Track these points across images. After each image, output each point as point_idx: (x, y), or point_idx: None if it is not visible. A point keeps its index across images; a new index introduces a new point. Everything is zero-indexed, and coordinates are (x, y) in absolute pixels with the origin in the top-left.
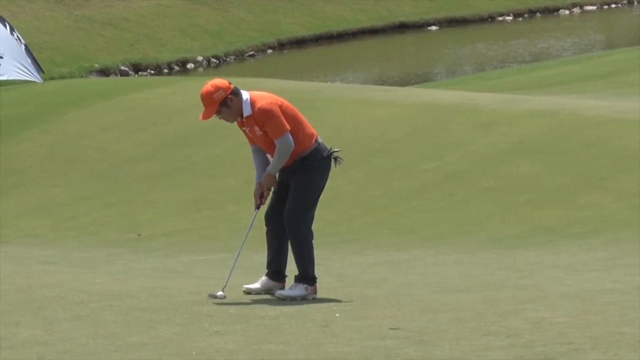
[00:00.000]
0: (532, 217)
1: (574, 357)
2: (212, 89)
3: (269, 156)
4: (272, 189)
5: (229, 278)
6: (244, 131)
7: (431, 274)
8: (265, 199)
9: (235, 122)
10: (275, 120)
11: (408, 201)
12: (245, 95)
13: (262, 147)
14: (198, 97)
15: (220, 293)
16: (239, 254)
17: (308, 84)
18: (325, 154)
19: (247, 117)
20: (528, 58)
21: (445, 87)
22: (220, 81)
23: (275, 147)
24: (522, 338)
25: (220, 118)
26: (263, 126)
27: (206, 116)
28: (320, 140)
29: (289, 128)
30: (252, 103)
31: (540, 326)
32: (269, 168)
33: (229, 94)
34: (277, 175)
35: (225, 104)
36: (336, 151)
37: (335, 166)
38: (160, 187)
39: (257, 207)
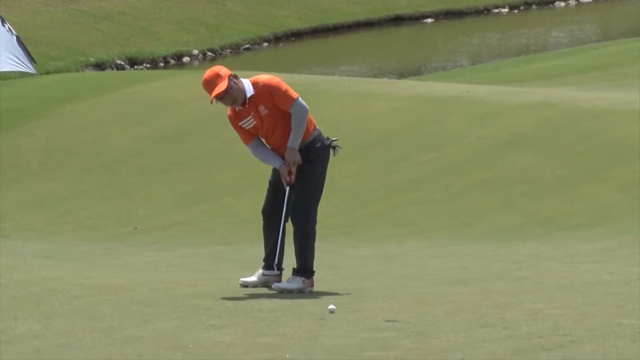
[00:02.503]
0: (529, 208)
1: (570, 348)
2: (216, 69)
3: (271, 151)
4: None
5: (279, 255)
6: (240, 128)
7: (428, 266)
8: (294, 175)
9: (230, 123)
10: (284, 88)
11: (405, 193)
12: (245, 80)
13: (268, 130)
14: (194, 91)
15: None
16: (280, 233)
17: (304, 76)
18: (326, 143)
19: (250, 98)
20: (524, 50)
21: (441, 79)
22: (218, 66)
23: (280, 128)
24: (519, 330)
25: (226, 100)
26: (272, 99)
27: (218, 91)
28: (319, 129)
29: (298, 95)
30: (254, 83)
31: (537, 318)
32: (290, 142)
33: (232, 73)
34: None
35: (233, 80)
36: (334, 140)
37: (334, 155)
38: (157, 181)
39: (288, 185)
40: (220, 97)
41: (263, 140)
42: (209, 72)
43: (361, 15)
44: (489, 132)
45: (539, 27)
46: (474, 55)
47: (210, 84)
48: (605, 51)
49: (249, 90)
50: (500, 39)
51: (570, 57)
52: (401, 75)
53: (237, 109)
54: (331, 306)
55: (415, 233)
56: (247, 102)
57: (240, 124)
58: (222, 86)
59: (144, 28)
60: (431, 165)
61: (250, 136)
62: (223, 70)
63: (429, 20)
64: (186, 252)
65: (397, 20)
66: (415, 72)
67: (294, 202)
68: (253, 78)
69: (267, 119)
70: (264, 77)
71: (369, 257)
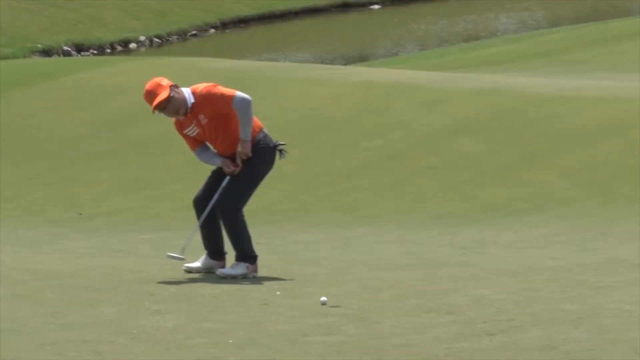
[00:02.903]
0: (474, 194)
1: (514, 333)
2: (157, 79)
3: (215, 153)
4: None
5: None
6: (185, 136)
7: (372, 251)
8: (240, 165)
9: (177, 131)
10: (220, 90)
11: (350, 179)
12: (185, 88)
13: (211, 138)
14: (140, 77)
15: (181, 256)
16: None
17: (250, 63)
18: (271, 145)
19: (191, 106)
20: (473, 36)
21: (387, 65)
22: (159, 77)
23: (222, 135)
24: (462, 315)
25: (168, 110)
26: (212, 106)
27: (160, 99)
28: (266, 131)
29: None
30: (193, 92)
31: (480, 303)
32: (241, 135)
33: (173, 83)
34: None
35: (174, 90)
36: (282, 144)
37: (280, 159)
38: (102, 167)
39: (230, 174)
40: (162, 107)
41: (210, 145)
42: (149, 83)
43: (308, 2)
44: (435, 118)
45: (488, 12)
46: (421, 42)
47: (151, 95)
48: (552, 37)
49: (190, 99)
50: (447, 25)
51: (516, 44)
52: (348, 61)
53: (180, 118)
54: (323, 298)
55: (360, 219)
56: (188, 111)
57: (184, 132)
58: (163, 95)
59: (90, 14)
60: (376, 151)
61: (196, 143)
62: (164, 81)
63: (376, 6)
64: (130, 238)
65: (345, 6)
66: (362, 59)
67: (226, 194)
68: (192, 87)
69: (207, 127)
70: (202, 86)
71: (314, 242)
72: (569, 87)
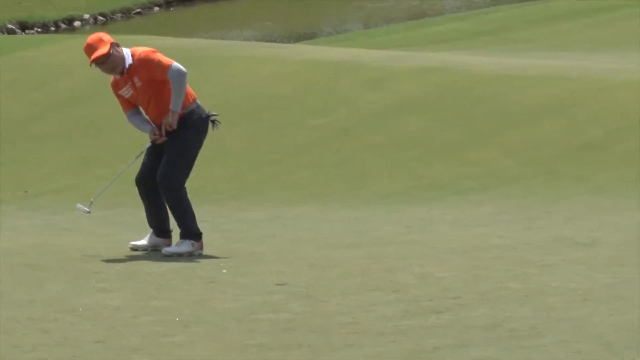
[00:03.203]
0: (420, 173)
1: (460, 311)
2: (100, 34)
3: (145, 119)
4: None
5: (99, 194)
6: (120, 96)
7: (319, 230)
8: (164, 136)
9: (112, 90)
10: (158, 57)
11: (296, 158)
12: (125, 49)
13: (143, 102)
14: (85, 54)
15: (87, 209)
16: (120, 174)
17: (195, 41)
18: (203, 116)
19: (129, 67)
20: (416, 15)
21: (333, 44)
22: (102, 32)
23: (154, 102)
24: (408, 293)
25: (106, 66)
26: (148, 71)
27: (99, 54)
28: (199, 102)
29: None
30: (132, 54)
31: (426, 281)
32: (172, 105)
33: (115, 41)
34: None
35: (114, 47)
36: (215, 115)
37: (213, 129)
38: (49, 146)
39: (154, 142)
40: (100, 62)
41: (142, 110)
42: (91, 37)
43: None
44: (380, 96)
45: None
46: (367, 20)
47: (91, 48)
48: (497, 16)
49: (128, 60)
50: (394, 2)
51: (461, 22)
52: (293, 39)
53: (116, 77)
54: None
55: (306, 197)
56: (125, 71)
57: (119, 92)
58: (102, 50)
59: None
60: (322, 130)
61: (128, 105)
62: (106, 37)
63: None
64: (76, 216)
65: None
66: (307, 37)
67: (163, 167)
68: (132, 48)
69: (141, 91)
70: (141, 49)
71: (260, 221)
72: (514, 65)
